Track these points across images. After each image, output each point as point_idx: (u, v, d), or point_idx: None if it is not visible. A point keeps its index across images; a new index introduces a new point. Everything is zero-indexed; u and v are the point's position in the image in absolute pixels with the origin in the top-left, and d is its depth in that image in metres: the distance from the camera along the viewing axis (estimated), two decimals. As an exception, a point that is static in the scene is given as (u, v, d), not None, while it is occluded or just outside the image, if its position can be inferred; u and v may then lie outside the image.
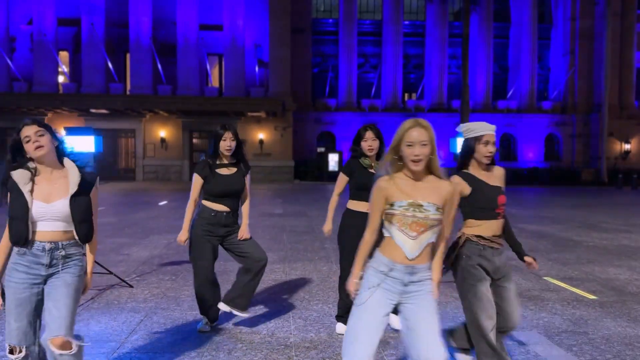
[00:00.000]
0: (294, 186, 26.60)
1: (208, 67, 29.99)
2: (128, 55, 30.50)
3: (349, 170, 4.11)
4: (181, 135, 30.25)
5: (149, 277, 6.12)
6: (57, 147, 2.54)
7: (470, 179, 2.92)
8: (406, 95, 35.44)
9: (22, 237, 2.44)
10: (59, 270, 2.53)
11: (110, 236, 9.22)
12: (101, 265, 5.72)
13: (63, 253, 2.52)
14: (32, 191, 2.44)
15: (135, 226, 10.31)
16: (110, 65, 28.17)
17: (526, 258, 3.10)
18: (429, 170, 2.36)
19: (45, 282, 2.53)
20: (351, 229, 3.98)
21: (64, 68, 29.75)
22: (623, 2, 33.52)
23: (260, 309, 4.84)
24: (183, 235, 4.06)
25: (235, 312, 4.07)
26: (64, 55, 30.87)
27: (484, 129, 2.89)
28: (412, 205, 2.29)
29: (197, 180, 4.03)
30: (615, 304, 5.08)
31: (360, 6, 35.23)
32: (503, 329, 2.97)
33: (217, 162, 4.04)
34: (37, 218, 2.45)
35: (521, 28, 34.72)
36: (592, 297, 5.35)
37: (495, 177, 2.99)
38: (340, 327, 4.14)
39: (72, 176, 2.52)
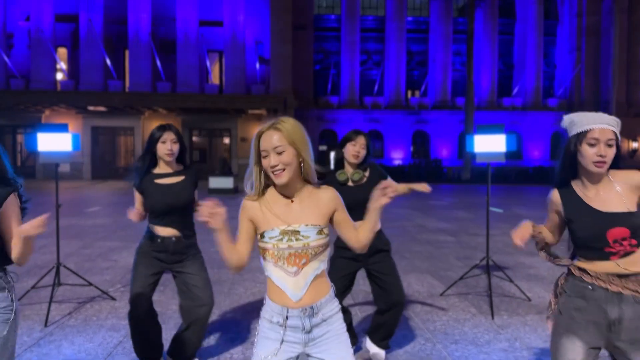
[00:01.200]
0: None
1: (208, 64, 29.47)
2: (127, 52, 30.02)
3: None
4: (181, 133, 29.70)
5: (136, 288, 5.60)
6: None
7: (568, 199, 2.07)
8: (410, 92, 34.86)
9: None
10: None
11: (100, 239, 8.72)
12: (81, 277, 5.21)
13: None
14: None
15: (129, 229, 9.81)
16: (108, 62, 27.66)
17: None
18: (303, 179, 1.85)
19: None
20: (337, 259, 3.45)
21: (62, 65, 29.23)
22: (630, -2, 32.92)
23: (253, 328, 4.32)
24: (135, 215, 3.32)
25: None
26: (62, 52, 30.38)
27: (590, 121, 1.99)
28: (286, 233, 1.77)
29: (137, 195, 3.27)
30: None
31: (363, 2, 34.67)
32: None
33: (156, 172, 3.25)
34: None
35: (526, 24, 34.13)
36: None
37: (615, 194, 2.00)
38: None
39: None
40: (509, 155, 5.05)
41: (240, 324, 4.42)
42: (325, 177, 3.52)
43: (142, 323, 3.29)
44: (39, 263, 6.45)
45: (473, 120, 27.36)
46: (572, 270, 2.09)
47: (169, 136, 3.19)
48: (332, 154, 3.56)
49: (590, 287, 2.00)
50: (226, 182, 20.01)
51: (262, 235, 1.80)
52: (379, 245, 3.41)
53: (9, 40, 29.73)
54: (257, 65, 29.68)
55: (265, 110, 28.66)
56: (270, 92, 29.65)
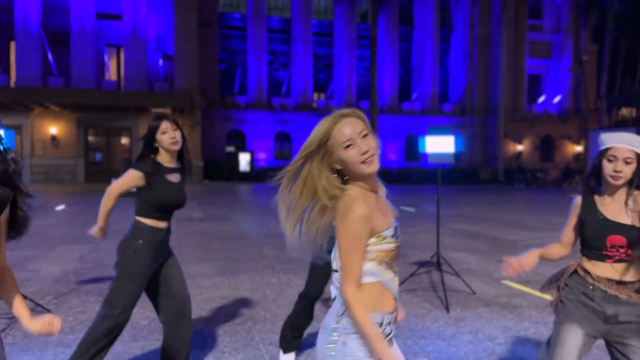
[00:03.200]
0: (204, 187, 25.34)
1: (106, 58, 27.82)
2: (13, 44, 27.48)
3: None
4: (75, 132, 27.74)
5: (70, 299, 5.13)
6: None
7: (586, 203, 2.36)
8: (316, 94, 35.34)
9: None
10: None
11: (9, 249, 7.86)
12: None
13: None
14: None
15: (36, 236, 8.94)
16: (-9, 53, 25.16)
17: None
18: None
19: None
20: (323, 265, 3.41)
21: None
22: (516, 11, 35.86)
23: (220, 336, 4.12)
24: (97, 230, 3.09)
25: None
26: None
27: (612, 140, 2.27)
28: (395, 230, 1.65)
29: (134, 178, 2.94)
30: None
31: (269, 3, 34.54)
32: None
33: (166, 165, 3.00)
34: None
35: (424, 32, 35.98)
36: (559, 301, 5.22)
37: (626, 209, 2.27)
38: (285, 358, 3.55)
39: None
40: (414, 157, 5.24)
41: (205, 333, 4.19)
42: None
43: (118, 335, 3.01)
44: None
45: (377, 123, 28.32)
46: (578, 270, 2.35)
47: (167, 125, 2.94)
48: None
49: (591, 287, 2.28)
50: (131, 184, 18.98)
51: (382, 237, 1.58)
52: None
53: None
54: (160, 62, 28.53)
55: (170, 109, 27.59)
56: (175, 90, 28.63)
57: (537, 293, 5.53)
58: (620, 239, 2.23)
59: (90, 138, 28.64)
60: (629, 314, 2.23)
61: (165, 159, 2.99)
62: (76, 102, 26.48)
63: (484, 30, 36.21)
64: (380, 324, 1.58)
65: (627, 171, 2.21)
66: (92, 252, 7.56)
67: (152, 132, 2.94)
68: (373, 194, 1.63)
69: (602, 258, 2.26)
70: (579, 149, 37.04)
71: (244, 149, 31.22)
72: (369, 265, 1.57)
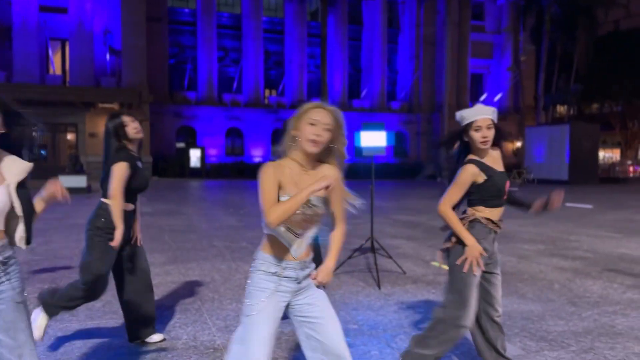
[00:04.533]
0: (154, 183, 25.19)
1: (50, 52, 27.19)
2: (-51, 35, 26.46)
3: None
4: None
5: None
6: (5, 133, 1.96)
7: (484, 167, 2.77)
8: (268, 91, 35.61)
9: None
10: None
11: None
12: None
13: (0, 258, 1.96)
14: None
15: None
16: None
17: (539, 202, 2.96)
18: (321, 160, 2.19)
19: None
20: None
21: None
22: (460, 12, 37.27)
23: (170, 314, 4.50)
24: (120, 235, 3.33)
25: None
26: None
27: (476, 114, 2.75)
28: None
29: (125, 169, 3.28)
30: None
31: (219, -2, 34.56)
32: (497, 316, 2.89)
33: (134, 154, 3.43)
34: None
35: (373, 32, 36.88)
36: (479, 278, 5.86)
37: (496, 160, 2.85)
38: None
39: (14, 164, 1.99)
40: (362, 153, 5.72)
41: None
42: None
43: (98, 295, 3.45)
44: None
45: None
46: (480, 220, 2.79)
47: (126, 118, 3.37)
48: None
49: (489, 231, 2.81)
50: (78, 181, 18.76)
51: (278, 199, 2.03)
52: None
53: None
54: (107, 57, 28.11)
55: (117, 104, 27.27)
56: (123, 86, 28.28)
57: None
58: (509, 184, 2.88)
59: (34, 134, 27.86)
60: (496, 246, 2.88)
61: (130, 148, 3.41)
62: (19, 97, 25.72)
63: (430, 31, 37.46)
64: (278, 265, 2.12)
65: (491, 135, 2.75)
66: (43, 245, 7.72)
67: (119, 127, 3.35)
68: (297, 167, 2.13)
69: (503, 203, 2.84)
70: (518, 144, 38.92)
71: (194, 145, 31.18)
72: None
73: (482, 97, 38.12)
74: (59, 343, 3.77)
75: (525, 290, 5.32)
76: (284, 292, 2.15)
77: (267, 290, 2.12)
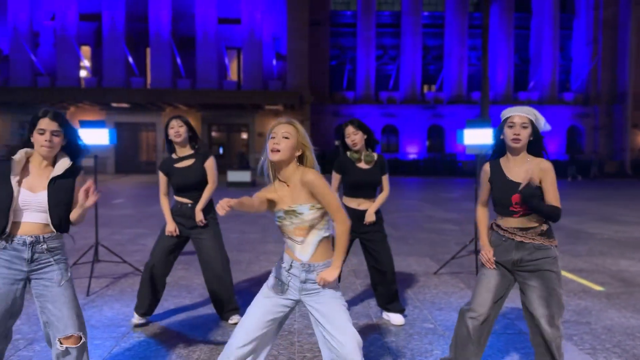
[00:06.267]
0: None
1: (226, 60, 30.19)
2: (148, 50, 30.89)
3: (339, 167, 4.05)
4: (200, 128, 30.52)
5: (163, 267, 6.28)
6: (66, 144, 2.54)
7: (494, 169, 2.77)
8: (425, 87, 35.20)
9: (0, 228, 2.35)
10: (43, 267, 2.44)
11: (128, 227, 9.45)
12: (116, 254, 5.91)
13: (45, 246, 2.42)
14: (20, 180, 2.40)
15: (153, 218, 10.54)
16: (130, 59, 28.56)
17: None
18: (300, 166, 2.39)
19: (27, 279, 2.44)
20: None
21: (85, 63, 30.25)
22: (648, -10, 32.71)
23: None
24: (170, 226, 4.03)
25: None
26: (85, 50, 31.36)
27: (512, 111, 2.72)
28: (288, 213, 2.33)
29: (161, 177, 4.11)
30: (622, 295, 5.07)
31: (379, -3, 35.05)
32: (539, 333, 2.80)
33: (174, 157, 4.07)
34: (21, 208, 2.38)
35: (542, 18, 34.16)
36: (599, 288, 5.34)
37: (520, 166, 2.68)
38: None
39: (59, 164, 2.49)
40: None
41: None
42: (338, 157, 4.09)
43: (154, 277, 4.04)
44: (76, 247, 7.16)
45: (489, 114, 27.60)
46: (493, 227, 2.82)
47: (175, 122, 3.99)
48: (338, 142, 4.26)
49: (504, 238, 2.73)
50: (244, 176, 20.68)
51: (274, 215, 2.39)
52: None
53: (36, 39, 30.80)
54: (274, 62, 30.29)
55: (282, 106, 29.31)
56: (287, 88, 30.26)
57: (581, 280, 5.67)
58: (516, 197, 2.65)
59: (213, 134, 31.33)
60: (530, 257, 2.68)
61: (177, 149, 4.06)
62: (201, 102, 29.17)
63: (610, 13, 33.47)
64: (288, 262, 2.41)
65: (524, 134, 2.64)
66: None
67: (165, 130, 4.04)
68: (283, 184, 2.40)
69: (510, 214, 2.69)
70: None
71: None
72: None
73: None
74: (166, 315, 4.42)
75: (648, 305, 4.74)
76: (291, 289, 2.41)
77: (279, 279, 2.44)
